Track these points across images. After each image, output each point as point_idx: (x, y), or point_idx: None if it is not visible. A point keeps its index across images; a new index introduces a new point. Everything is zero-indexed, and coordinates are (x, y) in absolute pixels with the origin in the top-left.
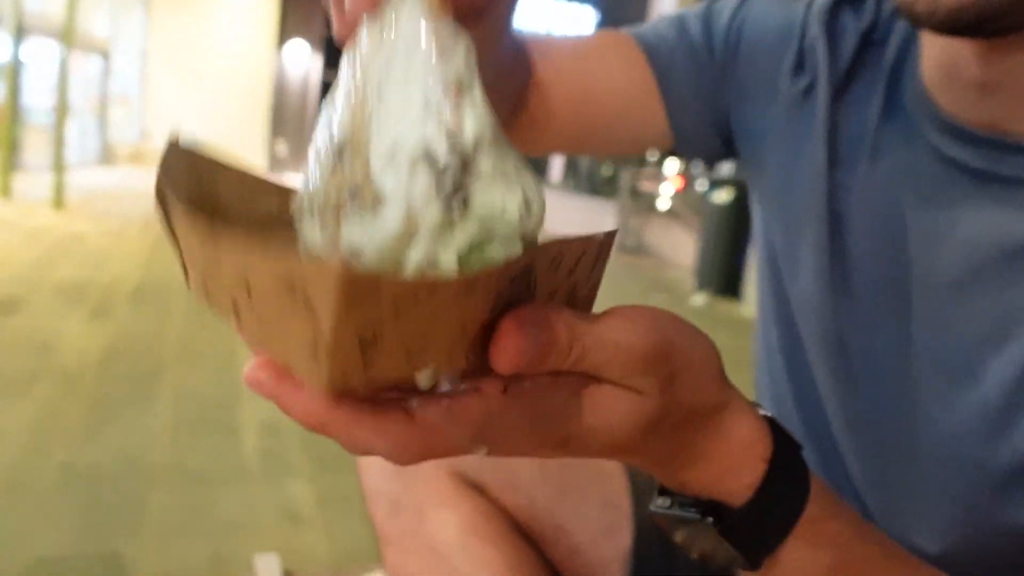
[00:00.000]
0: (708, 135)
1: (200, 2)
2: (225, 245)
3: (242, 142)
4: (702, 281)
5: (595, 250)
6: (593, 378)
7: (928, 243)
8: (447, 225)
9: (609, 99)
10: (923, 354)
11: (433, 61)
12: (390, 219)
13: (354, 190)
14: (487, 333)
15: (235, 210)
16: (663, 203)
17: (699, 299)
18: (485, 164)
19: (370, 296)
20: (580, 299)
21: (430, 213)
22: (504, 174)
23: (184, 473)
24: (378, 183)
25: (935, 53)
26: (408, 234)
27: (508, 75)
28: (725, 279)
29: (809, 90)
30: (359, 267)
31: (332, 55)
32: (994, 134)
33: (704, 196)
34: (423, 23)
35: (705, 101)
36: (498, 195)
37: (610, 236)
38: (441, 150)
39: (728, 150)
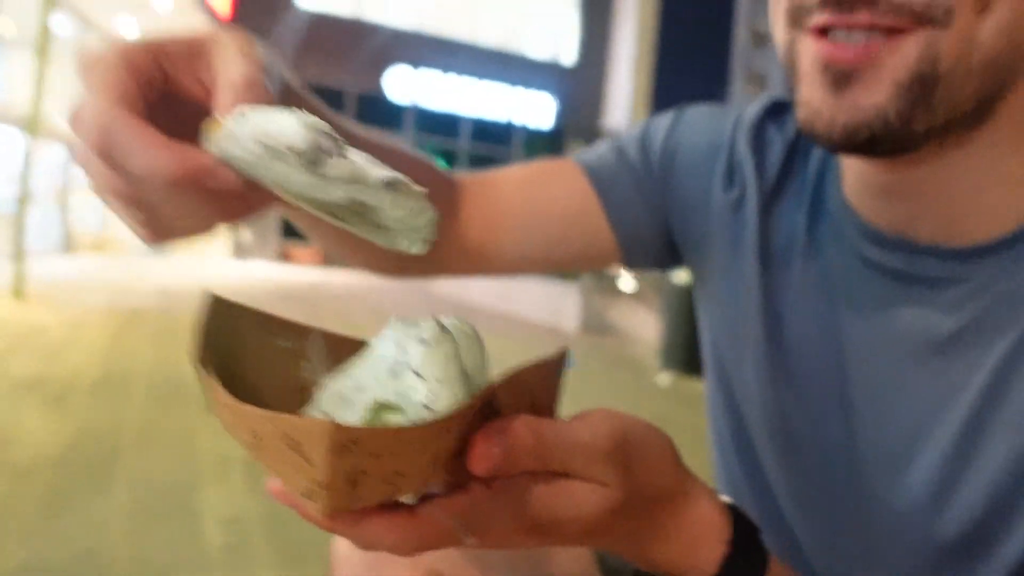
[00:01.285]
0: (653, 247)
1: None
2: (242, 410)
3: None
4: (666, 360)
5: (550, 369)
6: (563, 474)
7: (860, 340)
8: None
9: (555, 222)
10: (864, 440)
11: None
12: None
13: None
14: (465, 449)
15: (256, 347)
16: (626, 284)
17: (664, 378)
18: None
19: (352, 447)
20: (543, 410)
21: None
22: (444, 379)
23: (144, 565)
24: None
25: (849, 163)
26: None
27: None
28: (689, 358)
29: (741, 200)
30: (342, 425)
31: None
32: (905, 237)
33: (665, 277)
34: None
35: (647, 216)
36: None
37: (562, 355)
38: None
39: (674, 258)
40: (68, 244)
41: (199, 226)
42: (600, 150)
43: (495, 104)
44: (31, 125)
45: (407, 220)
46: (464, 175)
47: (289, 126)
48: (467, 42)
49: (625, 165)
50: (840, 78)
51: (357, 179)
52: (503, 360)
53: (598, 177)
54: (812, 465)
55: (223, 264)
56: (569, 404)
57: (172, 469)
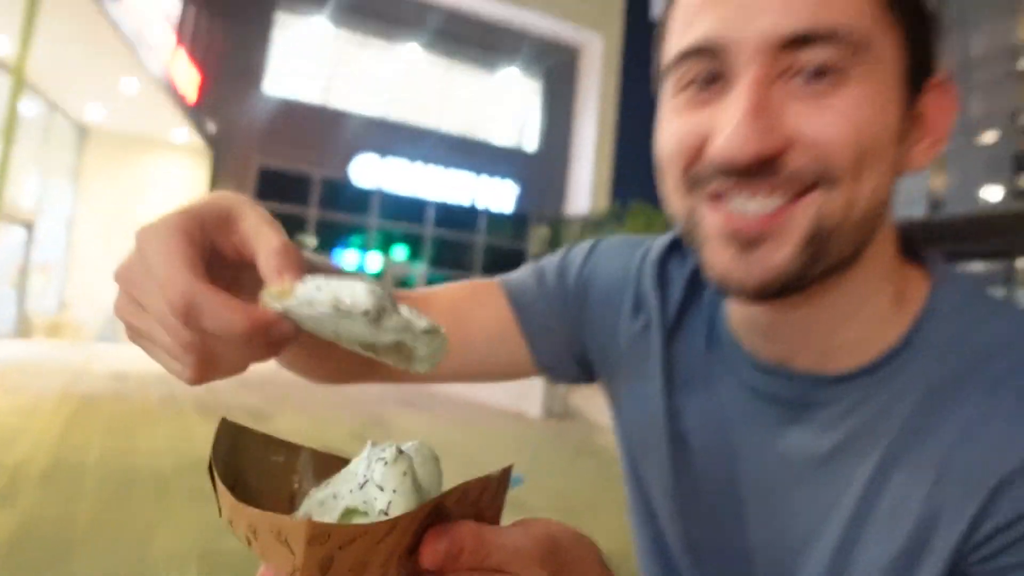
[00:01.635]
0: (569, 365)
1: (130, 172)
2: (244, 510)
3: None
4: None
5: (494, 483)
6: (501, 572)
7: (752, 458)
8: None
9: (481, 342)
10: (760, 548)
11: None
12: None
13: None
14: (418, 547)
15: (257, 462)
16: None
17: None
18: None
19: (324, 539)
20: (488, 518)
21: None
22: (399, 491)
23: None
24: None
25: (733, 302)
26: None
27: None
28: None
29: (646, 329)
30: (318, 522)
31: None
32: (785, 366)
33: None
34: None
35: (562, 338)
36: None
37: (505, 471)
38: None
39: (590, 375)
40: (22, 328)
41: (241, 364)
42: (523, 274)
43: (459, 189)
44: None
45: (431, 352)
46: (404, 294)
47: (360, 293)
48: (433, 129)
49: (543, 290)
50: (747, 243)
51: (407, 328)
52: (467, 444)
53: (518, 302)
54: (717, 570)
55: None
56: (535, 488)
57: (124, 564)
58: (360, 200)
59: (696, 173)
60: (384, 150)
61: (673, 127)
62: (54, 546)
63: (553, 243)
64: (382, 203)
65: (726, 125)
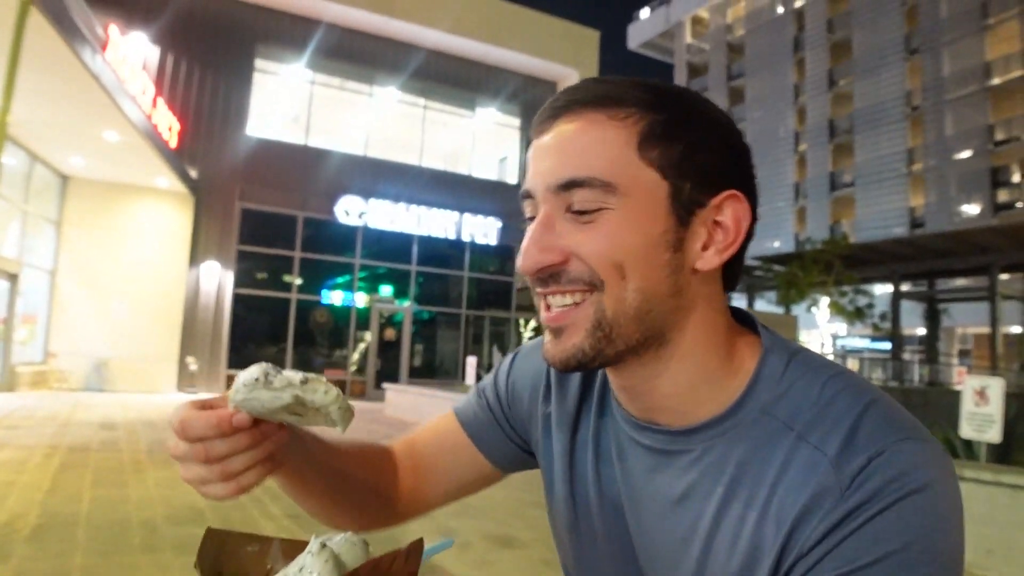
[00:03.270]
0: (519, 458)
1: (112, 220)
2: None
3: (154, 358)
4: None
5: (404, 555)
6: None
7: (635, 499)
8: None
9: (454, 468)
10: (640, 567)
11: None
12: None
13: None
14: None
15: (233, 556)
16: None
17: None
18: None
19: None
20: None
21: None
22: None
23: None
24: None
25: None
26: None
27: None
28: None
29: (558, 407)
30: None
31: (244, 273)
32: (651, 421)
33: None
34: None
35: (510, 441)
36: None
37: (415, 544)
38: None
39: (535, 460)
40: (7, 381)
41: (255, 477)
42: (469, 397)
43: (443, 225)
44: None
45: (326, 400)
46: (396, 444)
47: (251, 368)
48: (414, 165)
49: (483, 407)
50: (555, 331)
51: (290, 383)
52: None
53: (468, 426)
54: None
55: (169, 397)
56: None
57: None
58: (345, 239)
59: (530, 282)
60: (367, 191)
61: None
62: None
63: None
64: (366, 242)
65: (523, 246)
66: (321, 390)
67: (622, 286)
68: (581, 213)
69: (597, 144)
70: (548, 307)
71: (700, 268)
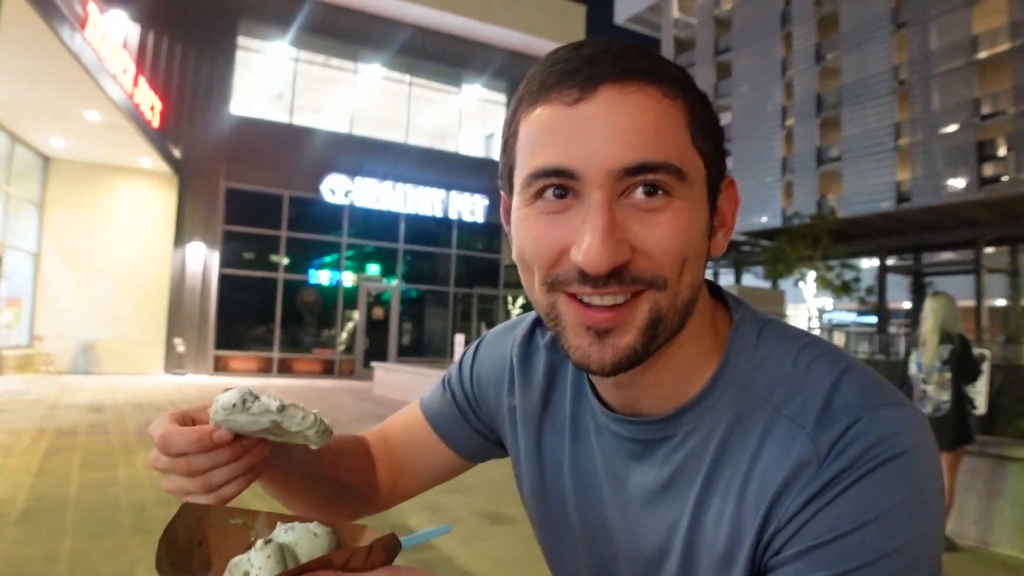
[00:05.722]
0: (488, 450)
1: (96, 200)
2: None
3: (141, 340)
4: None
5: (363, 552)
6: None
7: (615, 490)
8: None
9: (427, 460)
10: (624, 560)
11: None
12: None
13: None
14: None
15: (215, 527)
16: None
17: None
18: None
19: None
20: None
21: None
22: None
23: None
24: None
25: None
26: None
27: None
28: None
29: (523, 398)
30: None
31: (230, 254)
32: (632, 412)
33: None
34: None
35: (475, 432)
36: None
37: (385, 540)
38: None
39: (505, 450)
40: None
41: (237, 489)
42: (435, 390)
43: (430, 202)
44: None
45: (304, 425)
46: (371, 436)
47: (230, 393)
48: (400, 142)
49: (448, 402)
50: (600, 331)
51: (267, 410)
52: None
53: (433, 422)
54: None
55: (157, 379)
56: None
57: None
58: (331, 218)
59: (557, 276)
60: (353, 169)
61: (536, 233)
62: None
63: None
64: (353, 220)
65: (584, 239)
66: (299, 416)
67: (679, 282)
68: (649, 200)
69: (664, 124)
70: (584, 304)
71: (714, 254)
